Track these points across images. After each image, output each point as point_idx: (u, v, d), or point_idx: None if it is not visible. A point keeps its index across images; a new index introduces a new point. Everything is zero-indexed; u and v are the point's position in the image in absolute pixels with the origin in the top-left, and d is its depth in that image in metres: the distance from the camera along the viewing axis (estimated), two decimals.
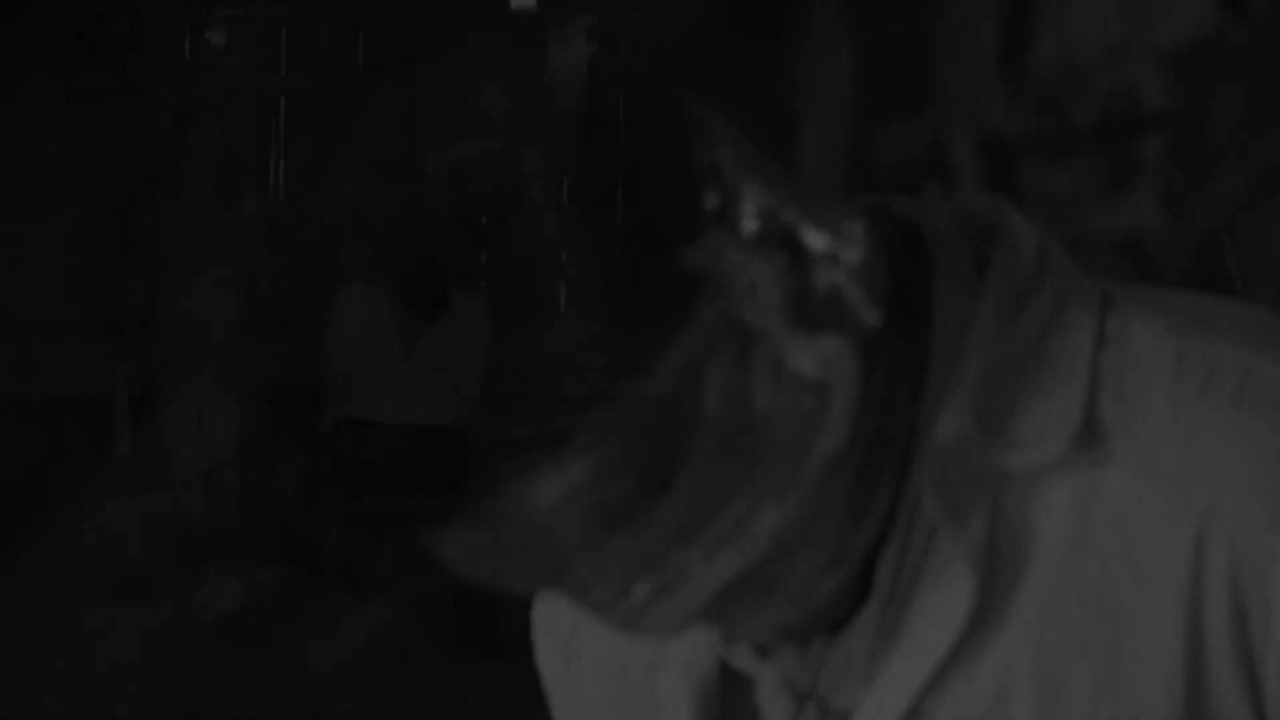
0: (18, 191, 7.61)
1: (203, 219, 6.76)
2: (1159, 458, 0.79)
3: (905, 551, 0.81)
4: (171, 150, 6.74)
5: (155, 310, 6.80)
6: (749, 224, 0.80)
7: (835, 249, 0.81)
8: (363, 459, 6.37)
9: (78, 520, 7.60)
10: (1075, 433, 0.80)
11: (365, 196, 7.52)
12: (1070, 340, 0.82)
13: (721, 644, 0.86)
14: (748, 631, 0.86)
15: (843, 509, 0.82)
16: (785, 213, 0.80)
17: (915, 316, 0.84)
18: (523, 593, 0.85)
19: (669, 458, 0.82)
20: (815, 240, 0.80)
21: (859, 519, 0.82)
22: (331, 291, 7.00)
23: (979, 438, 0.80)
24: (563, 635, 0.97)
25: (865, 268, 0.81)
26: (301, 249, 7.65)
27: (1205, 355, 0.81)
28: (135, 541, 7.48)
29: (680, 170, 0.86)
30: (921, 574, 0.81)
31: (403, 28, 7.71)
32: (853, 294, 0.80)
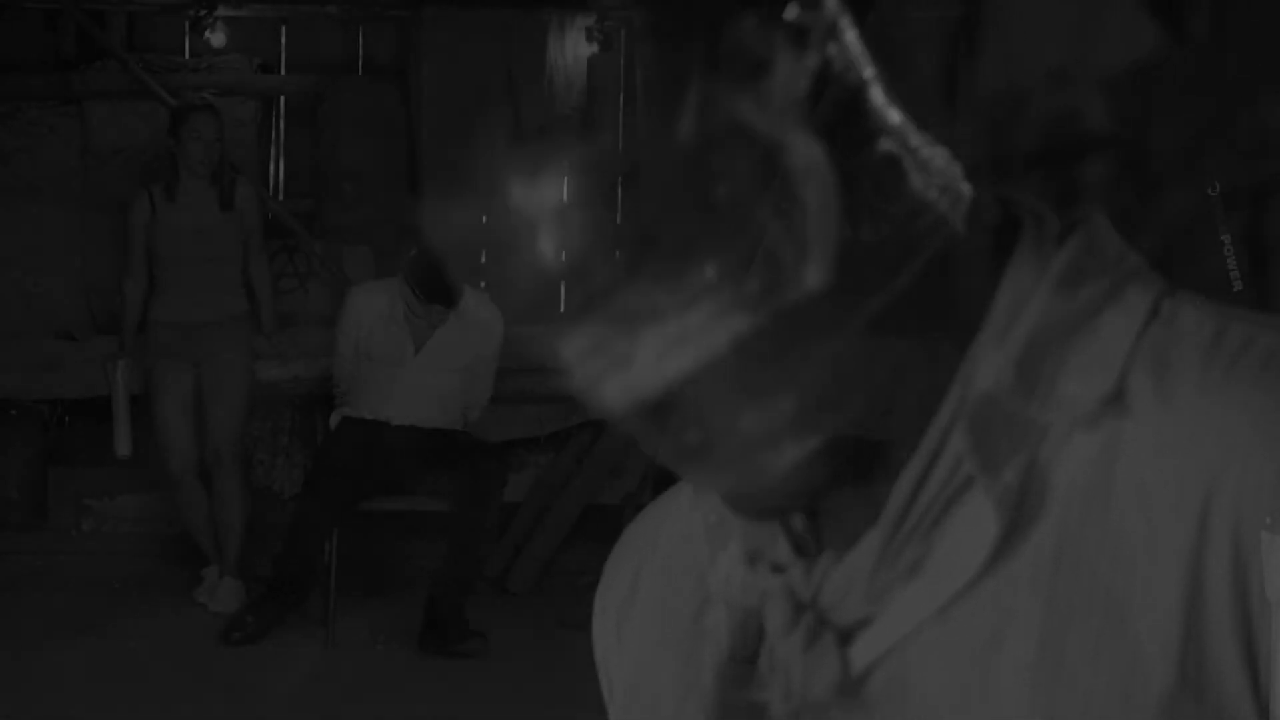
0: (17, 191, 7.62)
1: (201, 219, 6.76)
2: (1181, 420, 0.85)
3: (922, 486, 0.87)
4: (170, 150, 6.74)
5: (153, 310, 6.81)
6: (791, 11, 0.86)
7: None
8: (365, 458, 6.38)
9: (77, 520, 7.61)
10: (1107, 392, 0.86)
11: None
12: (1123, 317, 0.89)
13: (731, 509, 0.93)
14: (740, 494, 0.92)
15: (816, 370, 0.88)
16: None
17: (985, 274, 0.91)
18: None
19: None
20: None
21: (833, 393, 0.88)
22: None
23: (1020, 390, 0.86)
24: (618, 602, 1.07)
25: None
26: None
27: (1243, 333, 0.87)
28: (133, 542, 7.49)
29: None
30: (944, 512, 0.87)
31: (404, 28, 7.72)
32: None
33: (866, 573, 0.90)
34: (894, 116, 0.90)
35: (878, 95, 0.89)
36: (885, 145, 0.89)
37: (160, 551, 7.17)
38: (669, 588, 1.02)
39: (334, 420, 6.64)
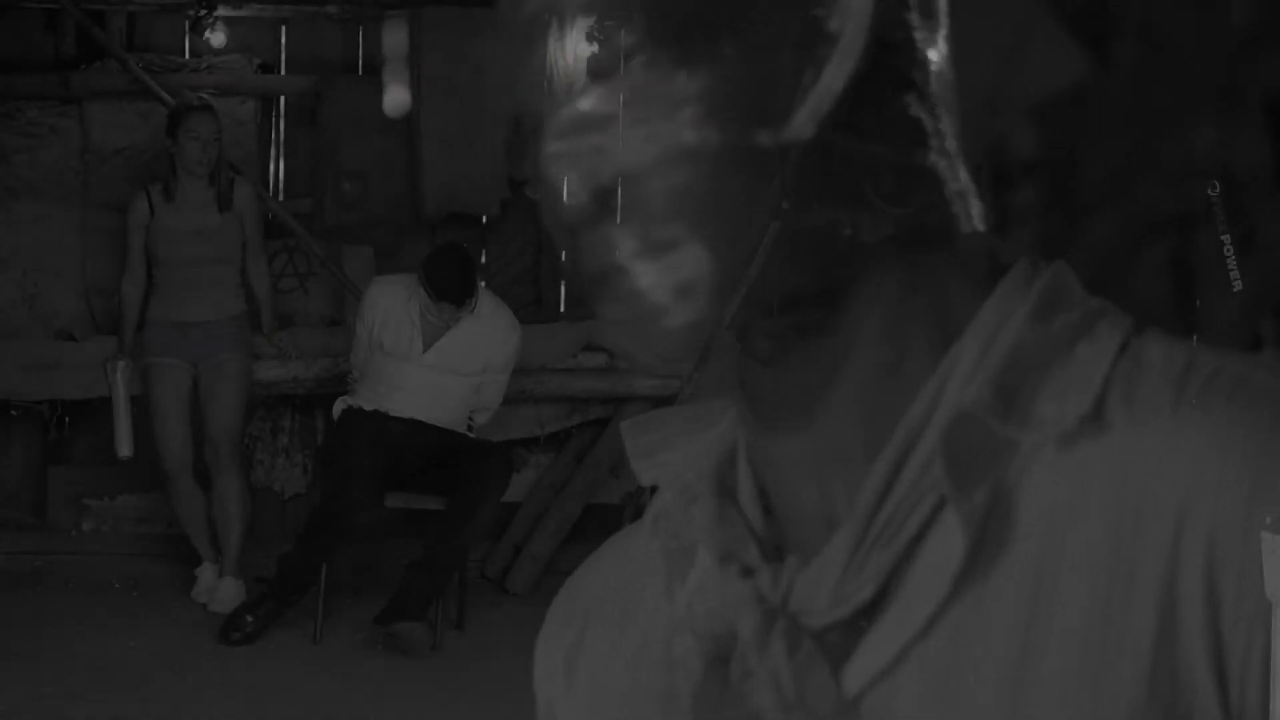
0: (17, 191, 7.62)
1: (199, 219, 6.76)
2: (1154, 444, 0.87)
3: (888, 491, 0.89)
4: (168, 151, 6.74)
5: (151, 309, 6.81)
6: None
7: None
8: (366, 447, 6.38)
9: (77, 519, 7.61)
10: (1084, 413, 0.88)
11: None
12: (1096, 347, 0.93)
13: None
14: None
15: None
16: None
17: (974, 288, 0.95)
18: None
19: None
20: None
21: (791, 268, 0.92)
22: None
23: (997, 409, 0.88)
24: (565, 647, 1.08)
25: None
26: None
27: (1211, 364, 0.89)
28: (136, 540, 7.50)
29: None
30: (910, 527, 0.89)
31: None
32: None
33: (834, 577, 0.92)
34: (933, 92, 0.92)
35: (933, 64, 0.91)
36: (917, 109, 0.91)
37: (160, 551, 7.17)
38: (624, 633, 1.03)
39: (337, 409, 6.65)
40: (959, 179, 0.92)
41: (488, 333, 6.54)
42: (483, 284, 6.68)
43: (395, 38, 7.50)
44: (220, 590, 6.66)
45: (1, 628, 6.30)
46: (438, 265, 6.41)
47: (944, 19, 0.91)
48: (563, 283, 8.02)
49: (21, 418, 7.49)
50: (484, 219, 7.88)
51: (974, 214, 0.92)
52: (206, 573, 6.82)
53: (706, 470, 1.00)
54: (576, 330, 7.28)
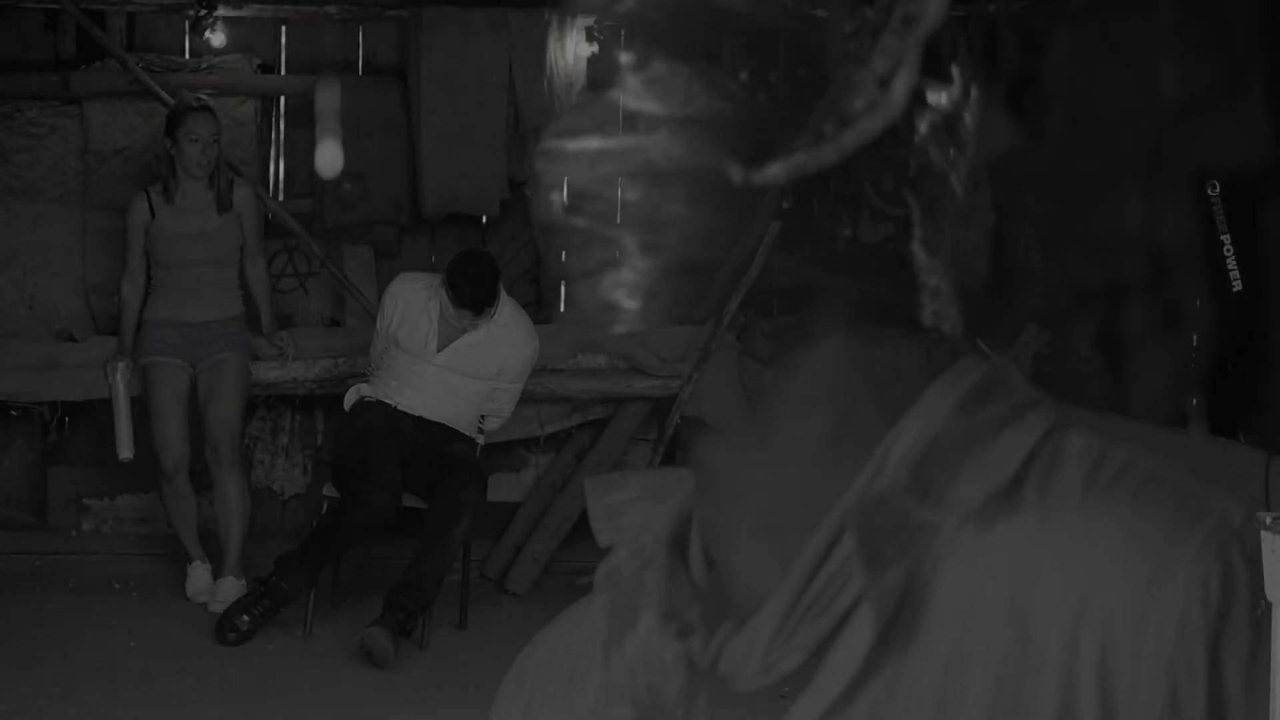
0: (17, 191, 7.62)
1: (199, 221, 6.76)
2: (1061, 534, 0.89)
3: (820, 567, 0.90)
4: (168, 152, 6.74)
5: (150, 309, 6.80)
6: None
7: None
8: (375, 437, 6.39)
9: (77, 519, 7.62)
10: (998, 490, 0.89)
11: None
12: (1020, 436, 0.94)
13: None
14: None
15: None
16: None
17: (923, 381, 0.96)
18: None
19: None
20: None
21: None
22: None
23: (913, 492, 0.89)
24: (520, 709, 1.10)
25: None
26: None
27: (1122, 456, 0.91)
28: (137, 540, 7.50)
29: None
30: (842, 602, 0.90)
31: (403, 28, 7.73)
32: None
33: (763, 644, 0.93)
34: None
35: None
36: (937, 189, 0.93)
37: (160, 551, 7.17)
38: (567, 702, 1.05)
39: (349, 398, 6.67)
40: (934, 275, 0.93)
41: (504, 339, 6.55)
42: (504, 292, 6.67)
43: (327, 96, 7.53)
44: (220, 590, 6.66)
45: (1, 628, 6.30)
46: (462, 271, 6.41)
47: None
48: (563, 283, 8.02)
49: (21, 418, 7.50)
50: (484, 219, 7.88)
51: (943, 312, 0.93)
52: (198, 571, 6.83)
53: (661, 534, 1.02)
54: (577, 330, 7.28)
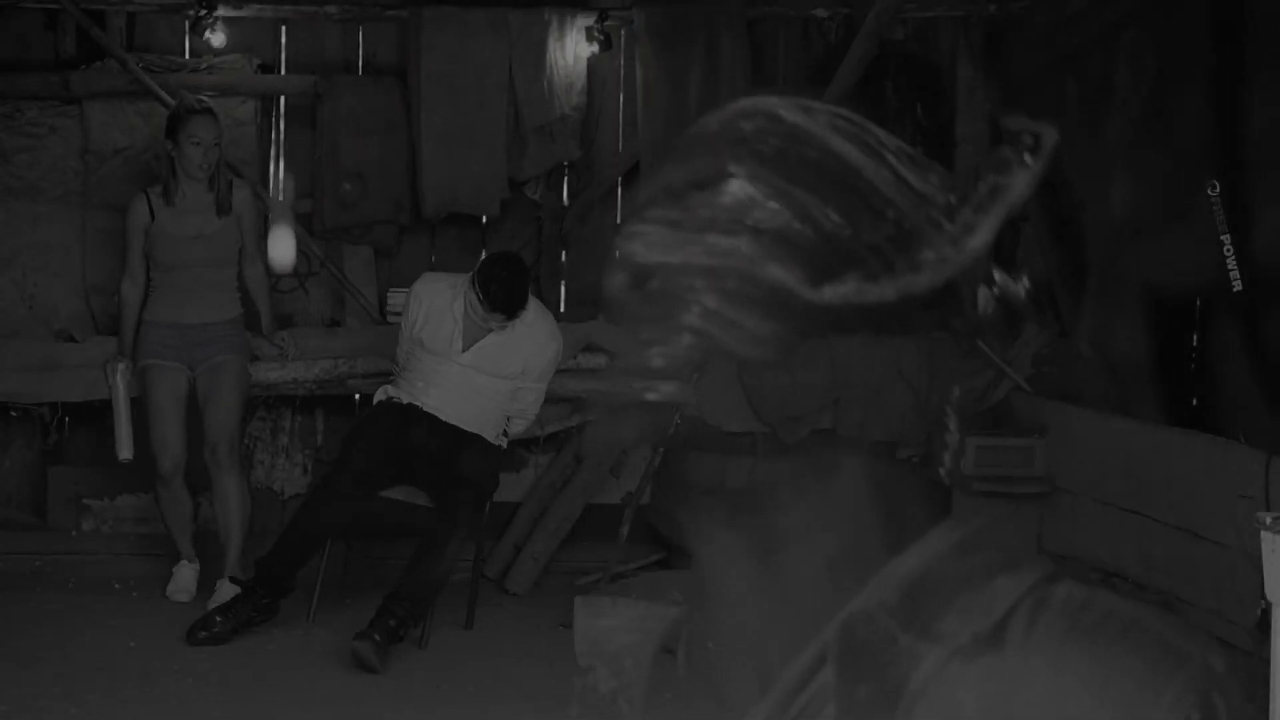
0: (18, 191, 7.62)
1: (198, 223, 6.76)
2: (1044, 671, 0.90)
3: (809, 680, 0.91)
4: (168, 153, 6.73)
5: (149, 310, 6.80)
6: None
7: None
8: (395, 438, 6.40)
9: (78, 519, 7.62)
10: (984, 631, 0.90)
11: None
12: (1012, 582, 0.96)
13: None
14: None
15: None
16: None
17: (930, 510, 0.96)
18: None
19: None
20: None
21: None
22: None
23: (899, 615, 0.91)
24: None
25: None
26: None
27: (1106, 604, 0.93)
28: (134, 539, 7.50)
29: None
30: (822, 710, 0.92)
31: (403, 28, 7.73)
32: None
33: None
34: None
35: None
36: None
37: (161, 551, 7.17)
38: None
39: (377, 396, 6.66)
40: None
41: (528, 338, 6.54)
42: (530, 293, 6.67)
43: (286, 194, 7.58)
44: (219, 591, 6.65)
45: (1, 628, 6.30)
46: (494, 275, 6.40)
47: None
48: (563, 283, 8.02)
49: (21, 418, 7.49)
50: (484, 219, 7.88)
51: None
52: (183, 570, 6.83)
53: (645, 657, 1.02)
54: (577, 331, 7.28)
